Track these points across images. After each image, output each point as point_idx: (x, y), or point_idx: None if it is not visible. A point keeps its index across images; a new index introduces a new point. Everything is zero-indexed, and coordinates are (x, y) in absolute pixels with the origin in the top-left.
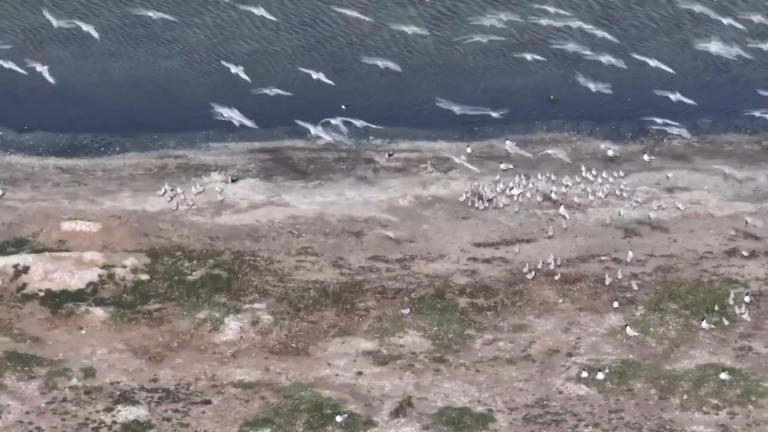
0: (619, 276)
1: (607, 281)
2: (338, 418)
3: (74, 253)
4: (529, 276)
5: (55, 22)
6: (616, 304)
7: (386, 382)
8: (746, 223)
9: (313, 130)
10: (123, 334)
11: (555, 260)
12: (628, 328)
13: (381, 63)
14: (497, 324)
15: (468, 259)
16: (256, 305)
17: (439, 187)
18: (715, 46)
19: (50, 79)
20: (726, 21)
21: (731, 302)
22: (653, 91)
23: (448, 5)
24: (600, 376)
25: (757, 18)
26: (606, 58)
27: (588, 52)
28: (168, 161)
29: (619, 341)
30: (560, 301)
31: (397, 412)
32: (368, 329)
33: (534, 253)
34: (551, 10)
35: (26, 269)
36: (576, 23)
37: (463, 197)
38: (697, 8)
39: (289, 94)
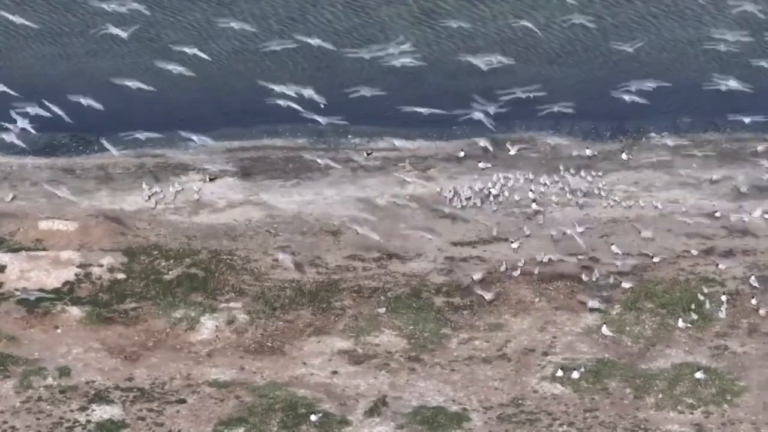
0: (596, 275)
1: (585, 280)
2: (312, 417)
3: (51, 252)
4: (508, 275)
5: (33, 22)
6: (593, 303)
7: (361, 381)
8: (724, 222)
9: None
10: (99, 333)
11: (533, 259)
12: (604, 327)
13: (360, 62)
14: (473, 323)
15: (445, 258)
16: (232, 304)
17: (417, 186)
18: (694, 46)
19: (29, 79)
20: (706, 19)
21: (705, 300)
22: (633, 90)
23: (429, 5)
24: (575, 375)
25: (736, 18)
26: (585, 57)
27: (568, 51)
28: (146, 160)
29: (594, 340)
30: (537, 300)
31: (372, 412)
32: (344, 328)
33: (511, 251)
34: (531, 8)
35: (2, 268)
36: (555, 21)
37: (443, 195)
38: (679, 6)
39: (267, 93)
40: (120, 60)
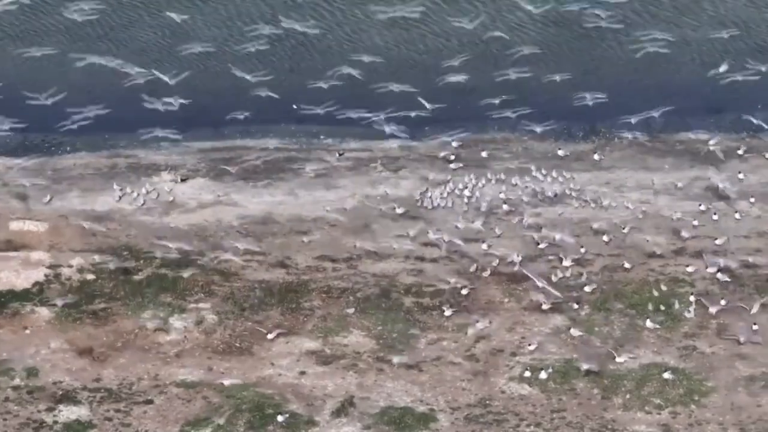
0: (567, 275)
1: (554, 280)
2: (279, 418)
3: (21, 253)
4: (478, 275)
5: (5, 21)
6: (544, 306)
7: (329, 382)
8: (695, 222)
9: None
10: (68, 333)
11: (504, 259)
12: (571, 329)
13: (333, 63)
14: (442, 323)
15: (415, 258)
16: (201, 305)
17: (389, 187)
18: (668, 46)
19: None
20: (680, 20)
21: (674, 301)
22: (605, 91)
23: (402, 5)
24: (543, 375)
25: (709, 19)
26: (558, 57)
27: (540, 51)
28: (118, 161)
29: (563, 340)
30: (506, 300)
31: (339, 412)
32: (312, 329)
33: (481, 252)
34: (504, 9)
35: None
36: (528, 22)
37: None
38: (653, 6)
39: (241, 94)
40: (92, 61)
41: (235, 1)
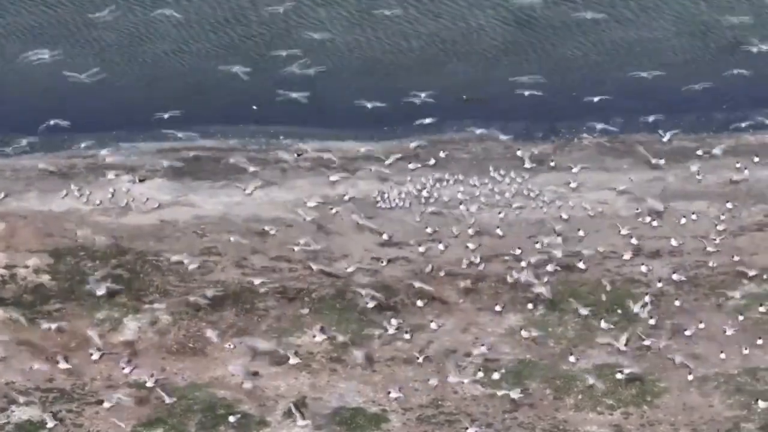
0: (522, 277)
1: (509, 281)
2: (231, 419)
3: None
4: (434, 275)
5: None
6: (497, 308)
7: (282, 383)
8: (652, 222)
9: None
10: (21, 334)
11: (460, 260)
12: (523, 330)
13: (294, 63)
14: (396, 324)
15: (371, 258)
16: (156, 305)
17: (347, 187)
18: (629, 47)
19: None
20: (642, 19)
21: (629, 301)
22: (565, 92)
23: (365, 5)
24: (496, 376)
25: (672, 18)
26: (519, 58)
27: (502, 52)
28: (77, 161)
29: (517, 341)
30: (461, 300)
31: (290, 413)
32: (267, 329)
33: (438, 252)
34: (467, 10)
35: None
36: (491, 23)
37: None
38: (615, 7)
39: (202, 94)
40: (52, 60)
41: (194, 1)
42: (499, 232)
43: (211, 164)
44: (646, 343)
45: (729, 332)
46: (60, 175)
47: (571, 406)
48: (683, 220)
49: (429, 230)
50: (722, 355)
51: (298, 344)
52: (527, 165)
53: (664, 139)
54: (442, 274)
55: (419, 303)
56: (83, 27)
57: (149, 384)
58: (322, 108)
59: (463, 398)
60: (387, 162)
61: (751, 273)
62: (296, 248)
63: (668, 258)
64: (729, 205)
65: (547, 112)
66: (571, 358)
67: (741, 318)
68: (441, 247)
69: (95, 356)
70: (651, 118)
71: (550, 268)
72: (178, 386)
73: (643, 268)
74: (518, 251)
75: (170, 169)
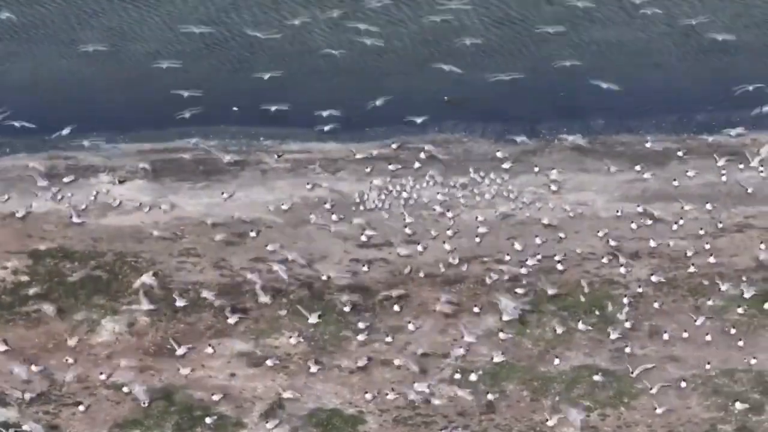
0: (501, 278)
1: (488, 282)
2: (208, 420)
3: None
4: (412, 277)
5: None
6: (476, 309)
7: (259, 384)
8: (631, 224)
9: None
10: None
11: (439, 261)
12: (500, 332)
13: (274, 64)
14: (374, 325)
15: (350, 260)
16: (134, 306)
17: (327, 188)
18: (611, 48)
19: None
20: (624, 21)
21: (607, 303)
22: (546, 93)
23: (347, 6)
24: (473, 377)
25: (649, 20)
26: (499, 59)
27: (483, 53)
28: (57, 162)
29: (494, 342)
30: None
31: (267, 414)
32: (244, 330)
33: (417, 254)
34: (448, 11)
35: None
36: (473, 23)
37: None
38: (599, 8)
39: (181, 95)
40: (31, 60)
41: (175, 1)
42: (478, 233)
43: (192, 165)
44: (627, 350)
45: (707, 334)
46: (40, 176)
47: (547, 407)
48: (663, 222)
49: (408, 231)
50: (700, 357)
51: (276, 346)
52: (507, 166)
53: (647, 143)
54: (421, 275)
55: (396, 308)
56: (65, 26)
57: (126, 390)
58: (303, 109)
59: (440, 399)
60: (367, 164)
61: (731, 275)
62: (270, 248)
63: (647, 259)
64: (709, 207)
65: (527, 114)
66: (556, 361)
67: (719, 320)
68: (420, 248)
69: (71, 360)
70: (632, 120)
71: (529, 269)
72: (155, 388)
73: (622, 270)
74: (498, 253)
75: (151, 170)
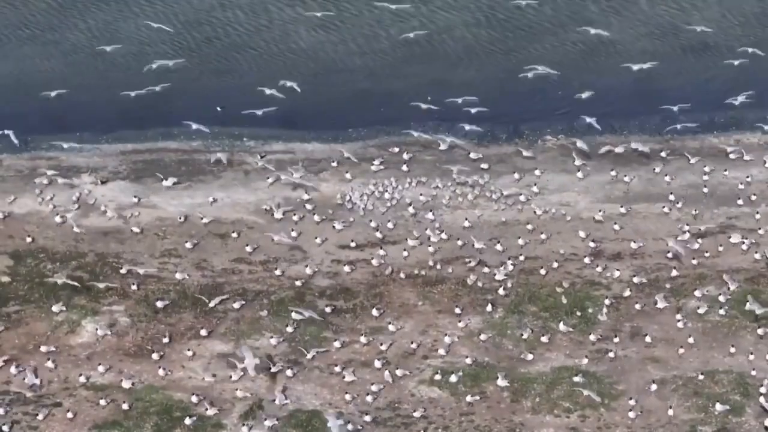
0: (483, 279)
1: (469, 283)
2: (187, 421)
3: None
4: (393, 278)
5: None
6: (457, 311)
7: (239, 385)
8: (614, 224)
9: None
10: None
11: (421, 262)
12: (481, 334)
13: (259, 64)
14: (355, 326)
15: (332, 261)
16: (114, 307)
17: (310, 189)
18: (593, 49)
19: None
20: (608, 21)
21: (588, 304)
22: (529, 94)
23: (332, 6)
24: (453, 378)
25: (635, 19)
26: (483, 60)
27: (466, 54)
28: (39, 162)
29: (475, 343)
30: (420, 303)
31: (246, 415)
32: (225, 331)
33: (399, 255)
34: (432, 12)
35: None
36: (456, 25)
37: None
38: (580, 9)
39: (164, 95)
40: (14, 61)
41: (158, 1)
42: (460, 234)
43: (174, 166)
44: (611, 353)
45: (688, 335)
46: (22, 177)
47: (528, 408)
48: (645, 223)
49: (390, 232)
50: (681, 358)
51: (256, 347)
52: (489, 166)
53: (630, 143)
54: (402, 276)
55: (375, 312)
56: (47, 28)
57: (103, 402)
58: (286, 110)
59: (420, 400)
60: (350, 164)
61: (713, 276)
62: (248, 249)
63: (629, 260)
64: (692, 208)
65: (510, 114)
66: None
67: (700, 321)
68: (402, 249)
69: (50, 364)
70: (615, 120)
71: (510, 269)
72: (135, 388)
73: (599, 269)
74: (479, 254)
75: (133, 171)
